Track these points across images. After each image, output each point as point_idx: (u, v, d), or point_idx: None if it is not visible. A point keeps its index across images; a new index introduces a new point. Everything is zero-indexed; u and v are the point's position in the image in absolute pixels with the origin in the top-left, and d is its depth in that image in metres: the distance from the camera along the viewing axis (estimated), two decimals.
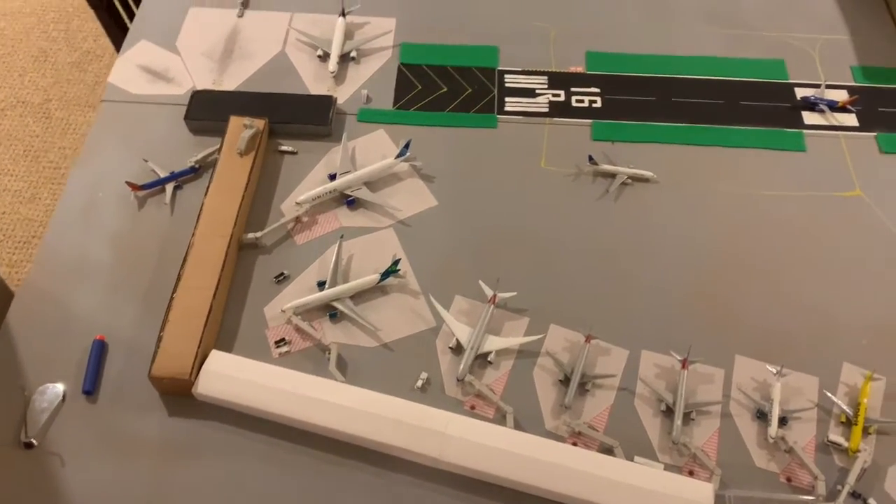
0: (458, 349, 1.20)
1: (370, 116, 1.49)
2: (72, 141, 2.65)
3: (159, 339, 1.15)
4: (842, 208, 1.38)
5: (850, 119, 1.50)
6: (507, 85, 1.55)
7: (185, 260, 1.23)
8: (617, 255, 1.31)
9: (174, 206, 1.35)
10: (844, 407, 1.14)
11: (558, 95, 1.53)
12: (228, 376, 1.13)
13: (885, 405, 1.16)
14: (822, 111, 1.51)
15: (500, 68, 1.58)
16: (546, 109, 1.51)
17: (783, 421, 1.13)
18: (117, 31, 1.73)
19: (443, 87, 1.54)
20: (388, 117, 1.49)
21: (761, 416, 1.14)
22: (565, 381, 1.17)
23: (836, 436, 1.12)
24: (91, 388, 1.15)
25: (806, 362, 1.20)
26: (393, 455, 1.09)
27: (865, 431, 1.12)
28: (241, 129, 1.38)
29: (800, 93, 1.54)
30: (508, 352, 1.21)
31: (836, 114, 1.50)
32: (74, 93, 2.78)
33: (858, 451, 1.10)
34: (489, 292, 1.24)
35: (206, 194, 1.31)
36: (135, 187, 1.35)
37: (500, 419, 1.13)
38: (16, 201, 2.50)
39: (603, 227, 1.35)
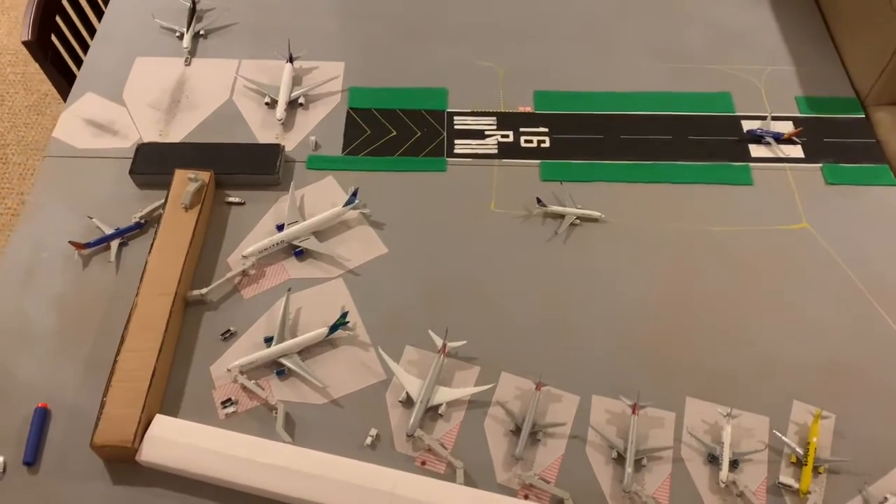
0: (408, 402, 1.19)
1: (319, 163, 1.49)
2: (30, 186, 2.61)
3: (101, 405, 1.13)
4: (789, 242, 1.38)
5: (796, 151, 1.51)
6: (456, 127, 1.55)
7: (128, 321, 1.21)
8: (566, 298, 1.31)
9: (119, 263, 1.33)
10: (795, 447, 1.14)
11: (507, 136, 1.53)
12: (173, 441, 1.11)
13: (835, 443, 1.16)
14: (768, 143, 1.52)
15: (449, 110, 1.58)
16: (495, 151, 1.51)
17: (734, 464, 1.13)
18: (65, 83, 1.71)
19: (392, 131, 1.54)
20: (337, 164, 1.49)
21: (713, 459, 1.14)
22: (517, 431, 1.16)
23: (786, 477, 1.12)
24: (32, 459, 1.12)
25: (756, 401, 1.20)
26: None
27: (816, 471, 1.12)
28: (186, 182, 1.37)
29: (746, 125, 1.55)
30: (459, 403, 1.20)
31: (781, 146, 1.52)
32: (32, 137, 2.74)
33: (808, 492, 1.10)
34: (439, 342, 1.23)
35: (149, 252, 1.29)
36: (79, 246, 1.33)
37: (452, 474, 1.12)
38: None
39: (552, 270, 1.34)
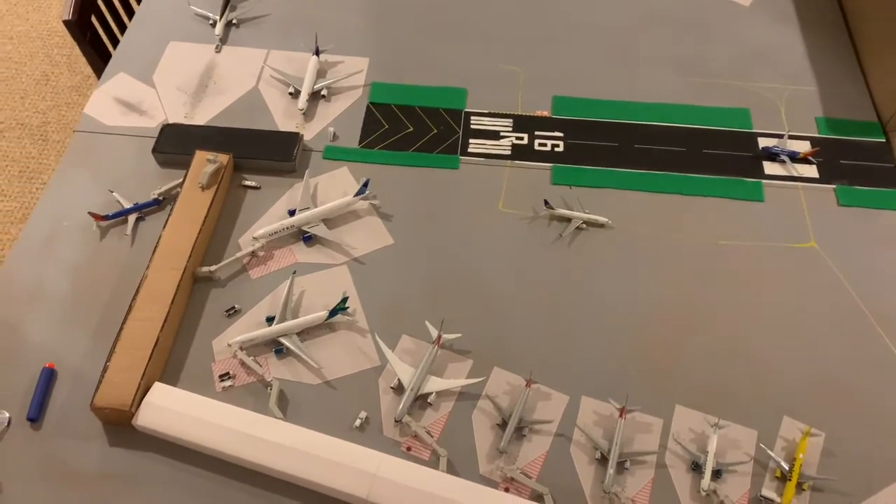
0: (399, 389, 1.21)
1: (335, 154, 1.52)
2: None
3: (104, 370, 1.17)
4: (795, 259, 1.38)
5: (811, 170, 1.51)
6: (472, 127, 1.57)
7: (136, 292, 1.25)
8: (566, 299, 1.32)
9: (135, 237, 1.38)
10: (781, 461, 1.14)
11: (522, 138, 1.55)
12: (168, 409, 1.15)
13: (822, 461, 1.15)
14: (782, 161, 1.52)
15: (466, 110, 1.60)
16: (509, 152, 1.53)
17: (717, 474, 1.13)
18: (101, 64, 1.78)
19: (409, 127, 1.57)
20: (352, 155, 1.52)
21: (696, 467, 1.14)
22: (503, 425, 1.17)
23: (769, 491, 1.12)
24: (36, 416, 1.17)
25: (746, 415, 1.20)
26: (324, 494, 1.10)
27: (800, 487, 1.12)
28: (204, 163, 1.41)
29: (763, 142, 1.55)
30: (449, 393, 1.22)
31: (796, 165, 1.51)
32: (72, 116, 2.84)
33: None
34: (434, 333, 1.26)
35: (164, 227, 1.34)
36: (98, 217, 1.38)
37: (435, 462, 1.14)
38: (7, 221, 2.55)
39: (554, 271, 1.36)
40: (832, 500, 1.12)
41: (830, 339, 1.28)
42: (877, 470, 1.15)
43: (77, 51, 3.01)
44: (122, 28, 1.90)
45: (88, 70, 2.97)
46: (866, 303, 1.32)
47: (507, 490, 1.12)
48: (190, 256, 1.30)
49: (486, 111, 1.60)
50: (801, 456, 1.13)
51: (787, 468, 1.13)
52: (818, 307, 1.32)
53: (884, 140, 1.56)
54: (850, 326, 1.30)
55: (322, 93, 1.61)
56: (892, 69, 1.60)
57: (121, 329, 1.21)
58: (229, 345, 1.23)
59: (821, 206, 1.46)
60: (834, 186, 1.48)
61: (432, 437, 1.16)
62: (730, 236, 1.41)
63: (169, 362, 1.24)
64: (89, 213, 1.38)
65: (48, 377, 1.21)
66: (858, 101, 1.64)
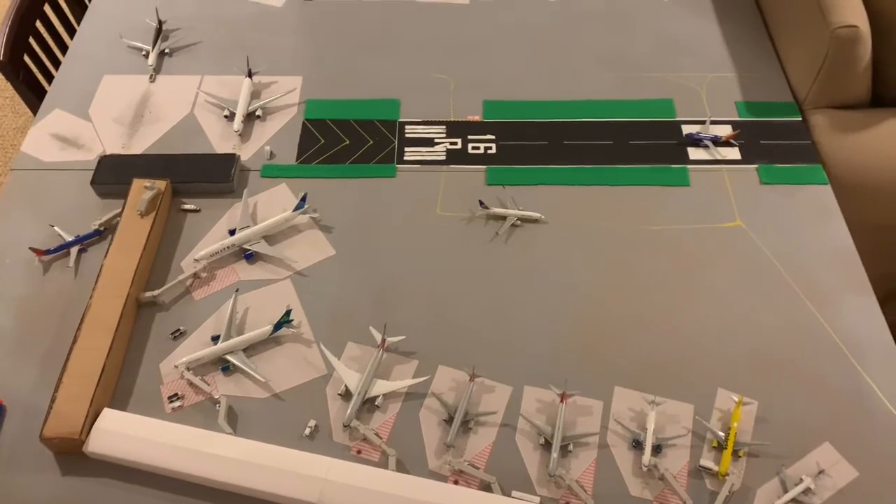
0: (347, 395, 1.24)
1: (273, 172, 1.55)
2: None
3: (52, 400, 1.18)
4: (723, 238, 1.43)
5: (733, 153, 1.57)
6: (407, 135, 1.61)
7: (81, 321, 1.27)
8: (505, 295, 1.36)
9: (78, 268, 1.39)
10: (717, 432, 1.18)
11: (455, 143, 1.60)
12: (119, 433, 1.16)
13: (756, 428, 1.20)
14: (706, 146, 1.58)
15: (401, 120, 1.64)
16: (444, 157, 1.57)
17: (657, 449, 1.17)
18: (37, 101, 1.79)
19: (345, 140, 1.61)
20: (290, 171, 1.55)
21: (637, 445, 1.18)
22: (450, 421, 1.21)
23: (707, 461, 1.16)
24: None
25: (683, 390, 1.24)
26: (278, 503, 1.12)
27: (736, 455, 1.16)
28: (142, 190, 1.43)
29: (686, 129, 1.61)
30: (396, 395, 1.25)
31: (719, 148, 1.57)
32: None
33: (727, 474, 1.14)
34: (378, 337, 1.29)
35: (105, 255, 1.35)
36: (39, 252, 1.39)
37: (385, 462, 1.17)
38: None
39: (493, 269, 1.40)
40: (767, 464, 1.16)
41: (760, 312, 1.34)
42: (807, 433, 1.20)
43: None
44: (57, 64, 1.91)
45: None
46: (791, 275, 1.38)
47: (455, 482, 1.15)
48: (132, 283, 1.32)
49: (419, 119, 1.64)
50: (735, 425, 1.18)
51: (724, 437, 1.17)
52: (747, 283, 1.38)
53: (800, 119, 1.63)
54: (778, 299, 1.35)
55: (257, 113, 1.64)
56: (801, 50, 1.67)
57: (67, 359, 1.23)
58: (176, 366, 1.25)
59: (744, 186, 1.52)
60: (756, 166, 1.55)
61: (381, 438, 1.19)
62: (660, 221, 1.46)
63: (117, 388, 1.25)
64: (30, 248, 1.39)
65: None
66: (775, 83, 1.71)
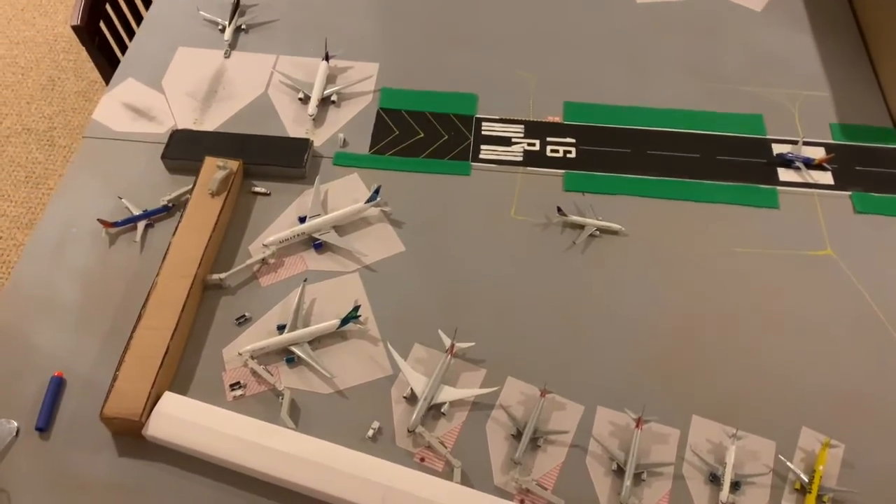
0: (412, 399, 1.20)
1: (345, 160, 1.51)
2: None
3: (114, 379, 1.16)
4: (811, 267, 1.36)
5: (826, 177, 1.49)
6: (483, 133, 1.56)
7: (146, 299, 1.24)
8: (580, 308, 1.31)
9: (144, 244, 1.37)
10: (800, 473, 1.12)
11: (533, 145, 1.54)
12: (179, 419, 1.13)
13: (842, 473, 1.14)
14: (797, 168, 1.50)
15: (477, 116, 1.59)
16: (520, 158, 1.52)
17: (736, 485, 1.11)
18: (109, 69, 1.77)
19: (420, 133, 1.56)
20: (363, 161, 1.51)
21: (714, 479, 1.12)
22: (518, 436, 1.16)
23: (788, 503, 1.10)
24: (44, 426, 1.15)
25: (764, 425, 1.18)
26: None
27: (820, 500, 1.10)
28: (214, 169, 1.40)
29: (777, 149, 1.54)
30: (463, 403, 1.20)
31: (811, 171, 1.50)
32: (78, 122, 2.83)
33: None
34: (447, 342, 1.24)
35: (173, 234, 1.32)
36: (107, 224, 1.37)
37: (449, 473, 1.12)
38: (13, 226, 2.54)
39: (568, 279, 1.34)
40: None
41: (848, 348, 1.27)
42: None
43: (83, 56, 3.02)
44: (131, 33, 1.89)
45: (95, 75, 2.97)
46: (883, 311, 1.31)
47: (522, 502, 1.10)
48: (200, 264, 1.29)
49: (497, 117, 1.59)
50: (820, 468, 1.11)
51: (807, 480, 1.11)
52: (835, 315, 1.31)
53: None
54: (867, 335, 1.28)
55: (332, 98, 1.60)
56: None
57: (130, 337, 1.20)
58: (240, 353, 1.22)
59: (836, 213, 1.44)
60: (849, 193, 1.47)
61: (446, 447, 1.15)
62: (745, 244, 1.39)
63: (179, 371, 1.22)
64: (98, 219, 1.37)
65: (57, 386, 1.19)
66: (873, 106, 1.62)
